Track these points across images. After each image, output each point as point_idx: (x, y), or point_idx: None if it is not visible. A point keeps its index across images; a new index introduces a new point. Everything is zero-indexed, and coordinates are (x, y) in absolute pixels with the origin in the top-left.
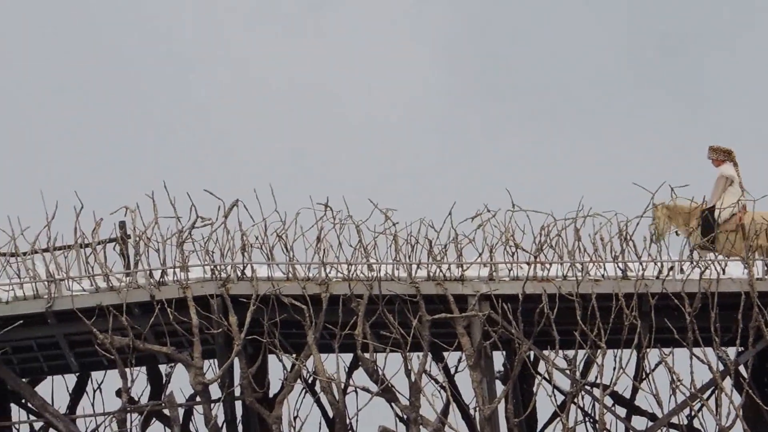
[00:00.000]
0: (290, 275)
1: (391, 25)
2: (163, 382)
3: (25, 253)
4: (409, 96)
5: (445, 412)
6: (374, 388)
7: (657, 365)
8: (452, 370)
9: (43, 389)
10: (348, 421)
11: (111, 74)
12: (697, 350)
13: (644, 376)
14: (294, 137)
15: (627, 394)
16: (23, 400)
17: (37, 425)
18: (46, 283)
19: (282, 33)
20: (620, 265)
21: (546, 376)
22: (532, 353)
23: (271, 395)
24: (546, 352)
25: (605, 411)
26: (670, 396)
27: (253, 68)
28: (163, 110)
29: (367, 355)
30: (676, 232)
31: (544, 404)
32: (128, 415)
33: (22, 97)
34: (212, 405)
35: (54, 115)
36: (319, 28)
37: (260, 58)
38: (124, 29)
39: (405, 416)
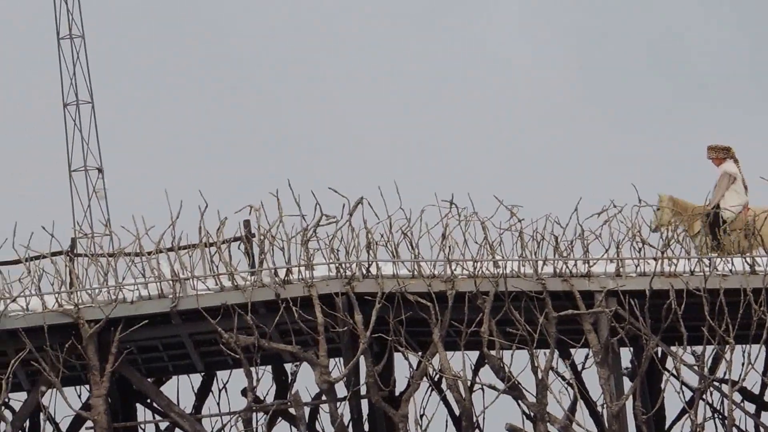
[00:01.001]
0: (415, 273)
1: (517, 18)
2: (289, 381)
3: (149, 253)
4: (534, 91)
5: (572, 409)
6: (501, 385)
7: None
8: (579, 367)
9: (168, 389)
10: (474, 419)
11: (235, 72)
12: None
13: None
14: (419, 134)
15: (756, 390)
16: (149, 400)
17: (163, 425)
18: (170, 282)
19: (408, 27)
20: (748, 260)
21: (674, 372)
22: (659, 349)
23: (397, 393)
24: (674, 348)
25: (734, 407)
26: None
27: (377, 64)
28: (288, 108)
29: (493, 353)
30: (677, 226)
31: (672, 401)
32: (254, 414)
33: (146, 97)
34: (338, 403)
35: (177, 113)
36: (445, 22)
37: (385, 54)
38: (249, 26)
39: (532, 413)
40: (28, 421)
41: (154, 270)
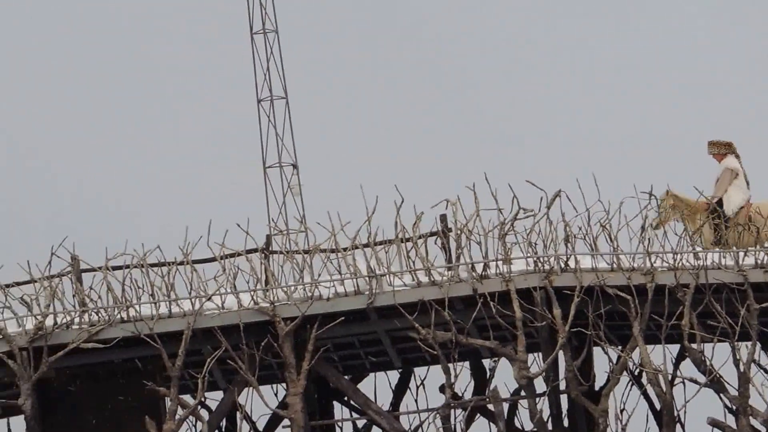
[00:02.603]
0: (614, 266)
1: (724, 5)
2: (487, 376)
3: (345, 249)
4: (738, 79)
5: None
6: (702, 379)
7: None
8: None
9: (365, 386)
10: (676, 413)
11: (430, 64)
12: None
13: None
14: (619, 125)
15: None
16: (346, 398)
17: (360, 423)
18: (367, 278)
19: (604, 16)
20: None
21: None
22: None
23: (596, 388)
24: None
25: None
26: None
27: (574, 55)
28: (485, 101)
29: (694, 346)
30: (677, 221)
31: None
32: (452, 410)
33: (340, 91)
34: (537, 399)
35: (372, 107)
36: (643, 11)
37: (580, 44)
38: (443, 16)
39: (734, 407)
40: (224, 420)
41: (350, 266)
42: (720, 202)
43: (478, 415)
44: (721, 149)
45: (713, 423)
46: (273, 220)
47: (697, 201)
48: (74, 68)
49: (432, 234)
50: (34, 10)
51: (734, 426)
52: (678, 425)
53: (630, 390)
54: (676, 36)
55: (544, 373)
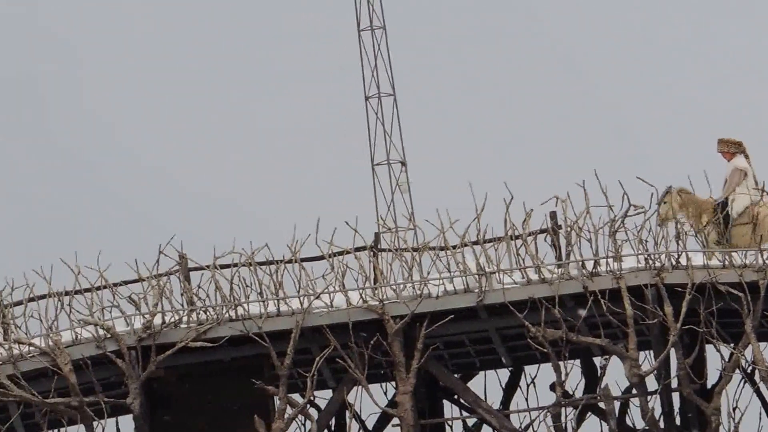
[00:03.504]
0: (726, 263)
1: None
2: (598, 374)
3: (455, 247)
4: None
5: None
6: None
7: None
8: None
9: (475, 385)
10: None
11: (539, 59)
12: None
13: None
14: (732, 121)
15: None
16: (455, 396)
17: (470, 422)
18: (476, 276)
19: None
20: None
21: None
22: None
23: (708, 386)
24: None
25: None
26: None
27: (688, 51)
28: (598, 98)
29: None
30: (682, 220)
31: None
32: (563, 409)
33: (447, 88)
34: (648, 397)
35: (480, 103)
36: None
37: (695, 41)
38: (555, 11)
39: None
40: (333, 419)
41: (459, 264)
42: (725, 202)
43: (589, 413)
44: (731, 147)
45: None
46: (381, 217)
47: (705, 200)
48: (183, 67)
49: (542, 231)
50: (145, 9)
51: None
52: None
53: (743, 388)
54: None
55: (655, 371)
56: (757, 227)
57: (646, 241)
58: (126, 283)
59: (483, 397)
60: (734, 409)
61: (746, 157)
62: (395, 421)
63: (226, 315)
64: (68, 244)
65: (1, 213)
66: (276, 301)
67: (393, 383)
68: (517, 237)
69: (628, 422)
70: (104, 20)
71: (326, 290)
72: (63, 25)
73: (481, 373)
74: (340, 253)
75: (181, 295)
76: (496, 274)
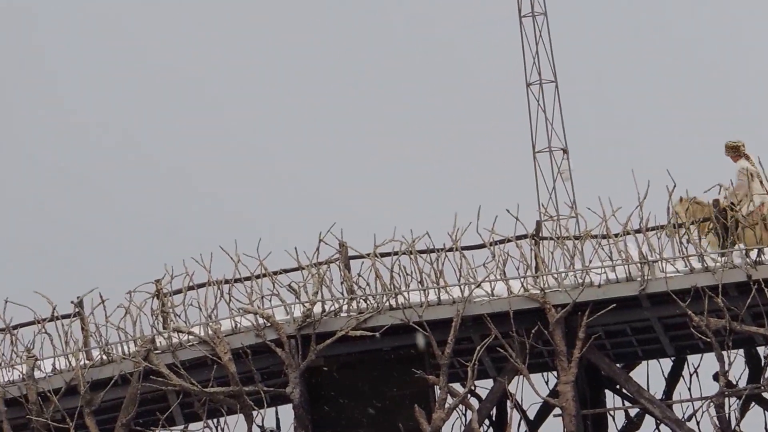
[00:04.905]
0: None
1: None
2: (762, 364)
3: (616, 235)
4: None
5: None
6: None
7: None
8: None
9: (637, 374)
10: None
11: (706, 49)
12: None
13: None
14: None
15: None
16: (617, 386)
17: (632, 412)
18: (639, 265)
19: None
20: None
21: None
22: None
23: None
24: None
25: None
26: None
27: None
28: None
29: None
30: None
31: None
32: (726, 399)
33: (610, 74)
34: None
35: (643, 88)
36: None
37: None
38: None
39: None
40: (494, 409)
41: (621, 252)
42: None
43: (753, 403)
44: (735, 151)
45: None
46: (543, 205)
47: (709, 206)
48: (339, 57)
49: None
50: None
51: None
52: None
53: None
54: None
55: None
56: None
57: None
58: (286, 271)
59: (645, 387)
60: None
61: (747, 158)
62: (557, 411)
63: (386, 304)
64: (228, 232)
65: (161, 201)
66: (436, 290)
67: (554, 373)
68: (679, 225)
69: None
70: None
71: (487, 279)
72: None
73: (644, 362)
74: (501, 242)
75: (341, 283)
76: (659, 262)
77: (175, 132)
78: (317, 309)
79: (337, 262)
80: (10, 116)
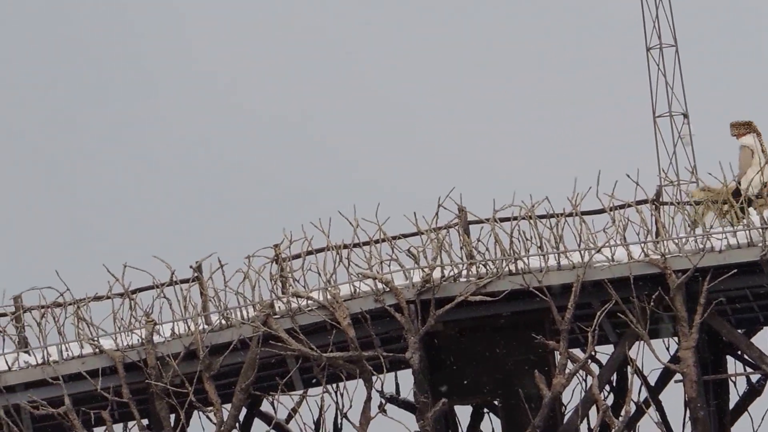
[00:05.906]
0: None
1: None
2: None
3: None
4: None
5: None
6: None
7: None
8: None
9: (759, 340)
10: None
11: None
12: None
13: None
14: None
15: None
16: (739, 352)
17: (754, 378)
18: (760, 230)
19: None
20: None
21: None
22: None
23: None
24: None
25: None
26: None
27: None
28: None
29: None
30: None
31: None
32: None
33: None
34: None
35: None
36: None
37: None
38: None
39: None
40: (615, 375)
41: (742, 218)
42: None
43: None
44: (741, 129)
45: None
46: (663, 170)
47: (721, 188)
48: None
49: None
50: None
51: None
52: None
53: None
54: None
55: None
56: None
57: None
58: (405, 236)
59: (767, 353)
60: None
61: (758, 135)
62: (678, 376)
63: (506, 269)
64: (347, 197)
65: (282, 164)
66: (556, 255)
67: (675, 338)
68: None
69: None
70: None
71: (607, 244)
72: None
73: (765, 328)
74: (621, 207)
75: (461, 248)
76: None
77: (302, 91)
78: (436, 274)
79: (457, 227)
80: (151, 85)
